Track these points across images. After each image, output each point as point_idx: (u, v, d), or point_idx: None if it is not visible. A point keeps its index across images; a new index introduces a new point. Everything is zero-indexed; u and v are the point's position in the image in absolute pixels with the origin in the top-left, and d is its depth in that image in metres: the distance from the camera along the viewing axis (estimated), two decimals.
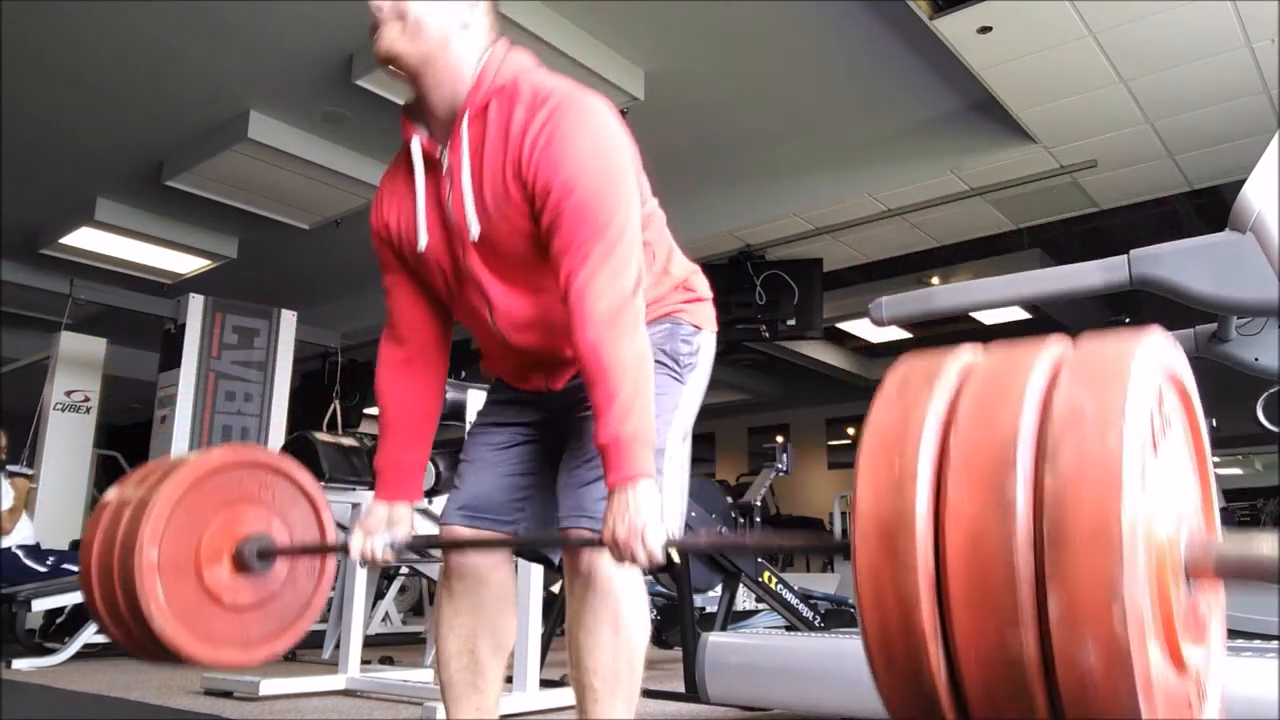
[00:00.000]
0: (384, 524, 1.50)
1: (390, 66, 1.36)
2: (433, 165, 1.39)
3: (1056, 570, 0.70)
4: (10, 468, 5.14)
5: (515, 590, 1.56)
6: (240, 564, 1.57)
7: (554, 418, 1.53)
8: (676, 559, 1.22)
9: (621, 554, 1.20)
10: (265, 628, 1.60)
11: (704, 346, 1.56)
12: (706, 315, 1.59)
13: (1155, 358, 0.79)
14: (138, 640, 1.53)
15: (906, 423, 0.81)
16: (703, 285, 1.60)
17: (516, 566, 1.63)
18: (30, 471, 5.51)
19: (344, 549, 1.50)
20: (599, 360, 1.25)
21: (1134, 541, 0.69)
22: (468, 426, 1.75)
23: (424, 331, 1.53)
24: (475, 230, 1.34)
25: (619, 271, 1.27)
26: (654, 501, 1.22)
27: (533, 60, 1.41)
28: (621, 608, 1.37)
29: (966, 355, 0.88)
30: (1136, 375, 0.75)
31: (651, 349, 1.44)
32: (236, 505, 1.59)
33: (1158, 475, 0.76)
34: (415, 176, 1.40)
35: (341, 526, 4.98)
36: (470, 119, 1.35)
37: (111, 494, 1.61)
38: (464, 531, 1.49)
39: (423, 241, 1.40)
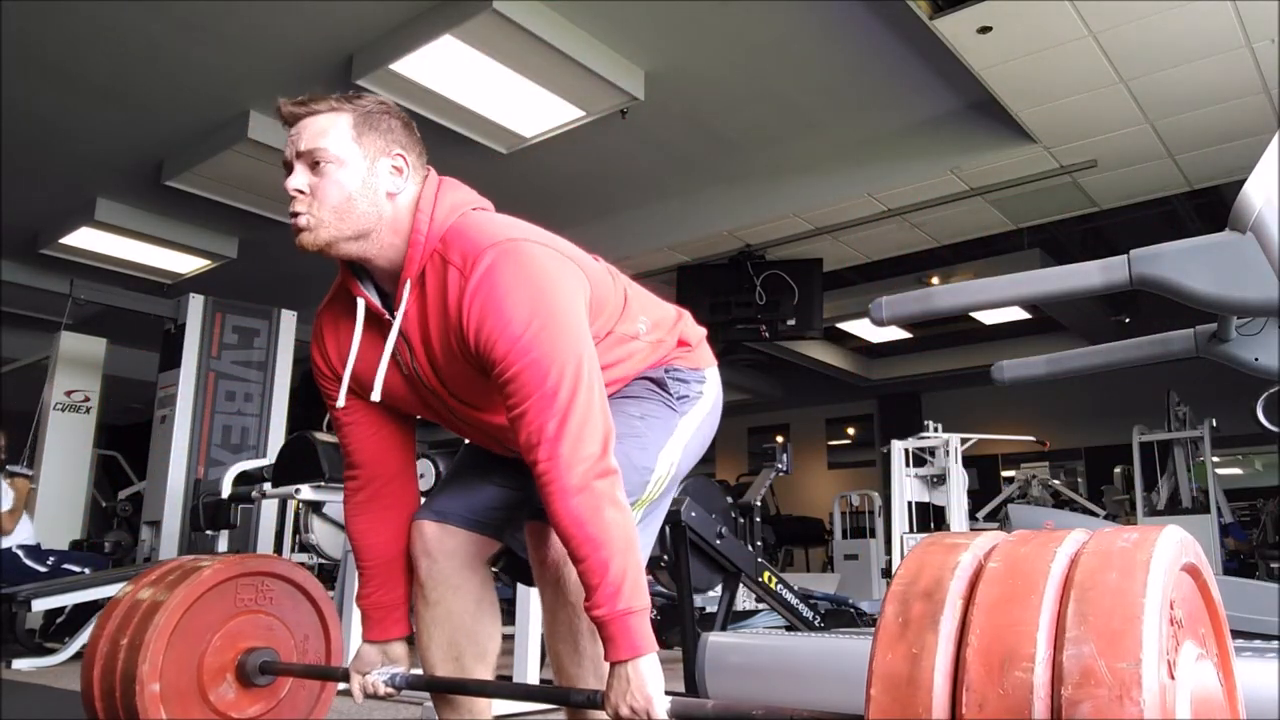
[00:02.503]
0: (377, 664, 1.49)
1: (327, 256, 1.34)
2: (379, 321, 1.37)
3: None
4: (10, 468, 5.13)
5: (493, 595, 1.52)
6: (244, 678, 1.57)
7: None
8: None
9: None
10: None
11: (709, 384, 1.54)
12: (704, 355, 1.57)
13: (1166, 573, 0.75)
14: None
15: (915, 671, 0.77)
16: (693, 330, 1.57)
17: (514, 599, 1.62)
18: (30, 472, 5.50)
19: (345, 676, 1.49)
20: (584, 533, 1.20)
21: None
22: None
23: (385, 468, 1.49)
24: (441, 382, 1.35)
25: (580, 437, 1.22)
26: (655, 676, 1.20)
27: (463, 193, 1.37)
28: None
29: (968, 560, 0.84)
30: (1149, 618, 0.71)
31: (641, 380, 1.45)
32: (235, 618, 1.59)
33: (1179, 693, 0.73)
34: (355, 330, 1.39)
35: (341, 527, 4.98)
36: (411, 285, 1.33)
37: (104, 621, 1.59)
38: (432, 528, 1.46)
39: (377, 394, 1.38)
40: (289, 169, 1.31)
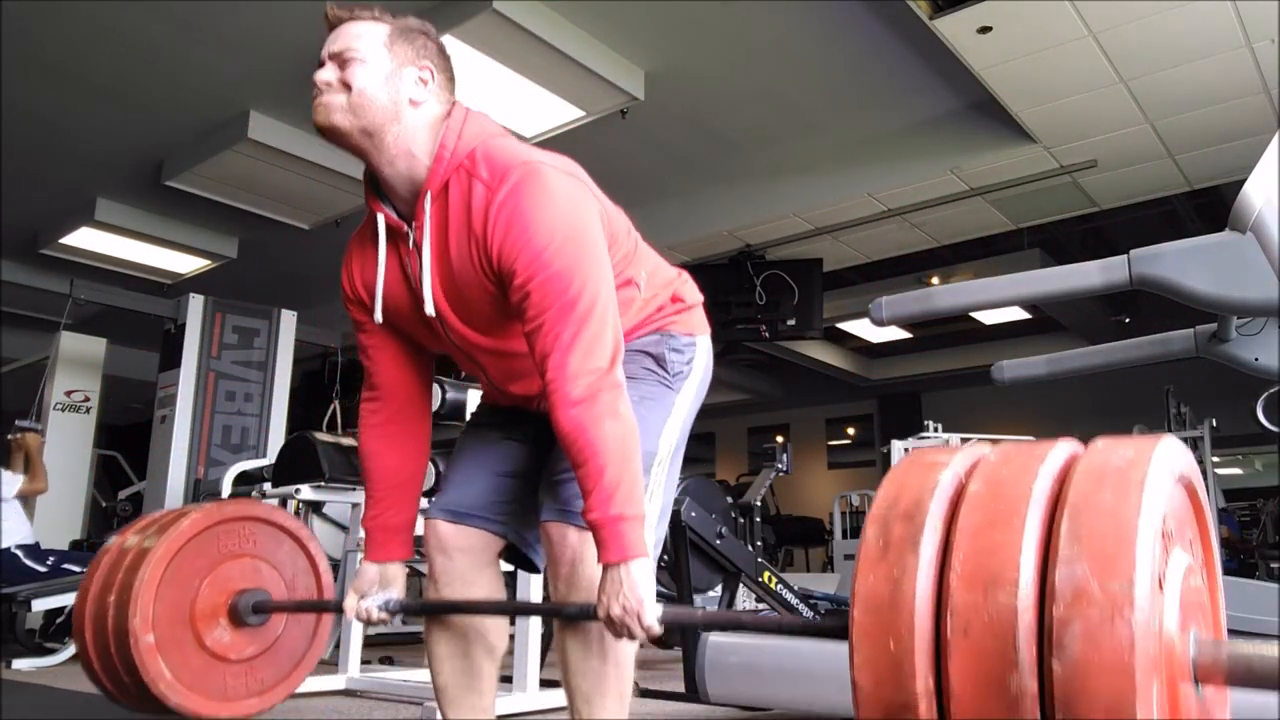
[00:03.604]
0: (376, 584, 1.51)
1: (331, 140, 1.36)
2: (399, 238, 1.40)
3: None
4: (20, 423, 5.13)
5: (504, 592, 1.54)
6: (235, 617, 1.58)
7: (545, 425, 1.53)
8: (657, 630, 1.22)
9: (617, 630, 1.23)
10: (277, 670, 1.62)
11: (700, 352, 1.55)
12: (698, 321, 1.58)
13: (1161, 495, 0.75)
14: (150, 708, 1.53)
15: (897, 593, 0.78)
16: (691, 291, 1.59)
17: (515, 569, 1.62)
18: (40, 426, 5.46)
19: (339, 607, 1.50)
20: (581, 443, 1.24)
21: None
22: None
23: (404, 391, 1.52)
24: (445, 303, 1.37)
25: (591, 348, 1.26)
26: (647, 578, 1.23)
27: (491, 124, 1.39)
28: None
29: (948, 477, 0.83)
30: (1143, 541, 0.71)
31: (639, 354, 1.45)
32: (220, 564, 1.60)
33: (1168, 612, 0.74)
34: (379, 249, 1.41)
35: (342, 526, 4.99)
36: (432, 198, 1.35)
37: (103, 558, 1.60)
38: (447, 528, 1.47)
39: (379, 315, 1.42)
40: (321, 66, 1.35)
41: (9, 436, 5.02)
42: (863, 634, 0.78)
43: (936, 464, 0.85)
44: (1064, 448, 0.83)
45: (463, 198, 1.32)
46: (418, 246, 1.37)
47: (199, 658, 1.54)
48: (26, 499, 5.16)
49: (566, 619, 1.35)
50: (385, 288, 1.42)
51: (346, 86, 1.32)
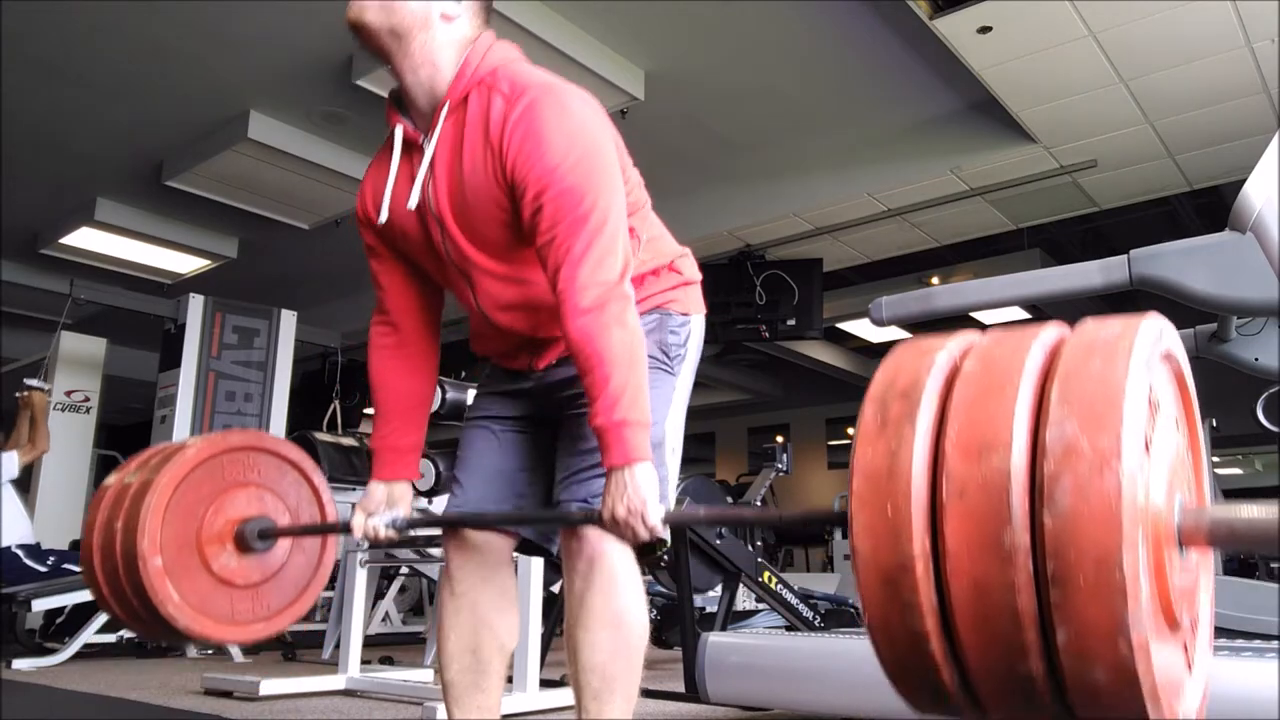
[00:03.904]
0: (383, 504, 1.53)
1: (360, 37, 1.38)
2: (414, 151, 1.41)
3: (1062, 611, 0.72)
4: (28, 381, 5.14)
5: (516, 591, 1.56)
6: (241, 543, 1.60)
7: (544, 412, 1.53)
8: (668, 539, 1.24)
9: (622, 532, 1.25)
10: (282, 596, 1.65)
11: (693, 332, 1.57)
12: (694, 299, 1.59)
13: (1147, 363, 0.78)
14: (155, 630, 1.56)
15: (894, 463, 0.81)
16: (691, 268, 1.60)
17: (516, 567, 1.63)
18: (47, 386, 5.45)
19: (346, 527, 1.52)
20: (588, 350, 1.27)
21: (1136, 578, 0.70)
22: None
23: (414, 317, 1.55)
24: (449, 210, 1.38)
25: (602, 260, 1.29)
26: (651, 481, 1.25)
27: (517, 52, 1.42)
28: (621, 605, 1.38)
29: (943, 358, 0.87)
30: (1130, 403, 0.74)
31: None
32: (226, 492, 1.62)
33: (1154, 475, 0.77)
34: (393, 158, 1.43)
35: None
36: (450, 109, 1.37)
37: (112, 479, 1.63)
38: (466, 531, 1.50)
39: (383, 216, 1.43)
40: None
41: (16, 394, 5.03)
42: (861, 502, 0.81)
43: (931, 347, 0.88)
44: (1054, 329, 0.86)
45: (481, 112, 1.34)
46: (432, 160, 1.39)
47: (206, 582, 1.57)
48: (27, 494, 5.16)
49: (572, 524, 1.38)
50: (393, 199, 1.42)
51: None
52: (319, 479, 1.75)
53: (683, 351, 1.54)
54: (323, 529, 1.71)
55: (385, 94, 4.75)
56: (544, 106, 1.30)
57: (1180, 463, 0.87)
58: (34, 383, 5.11)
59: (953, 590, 0.77)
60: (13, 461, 4.88)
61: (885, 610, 0.80)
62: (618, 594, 1.38)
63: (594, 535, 1.37)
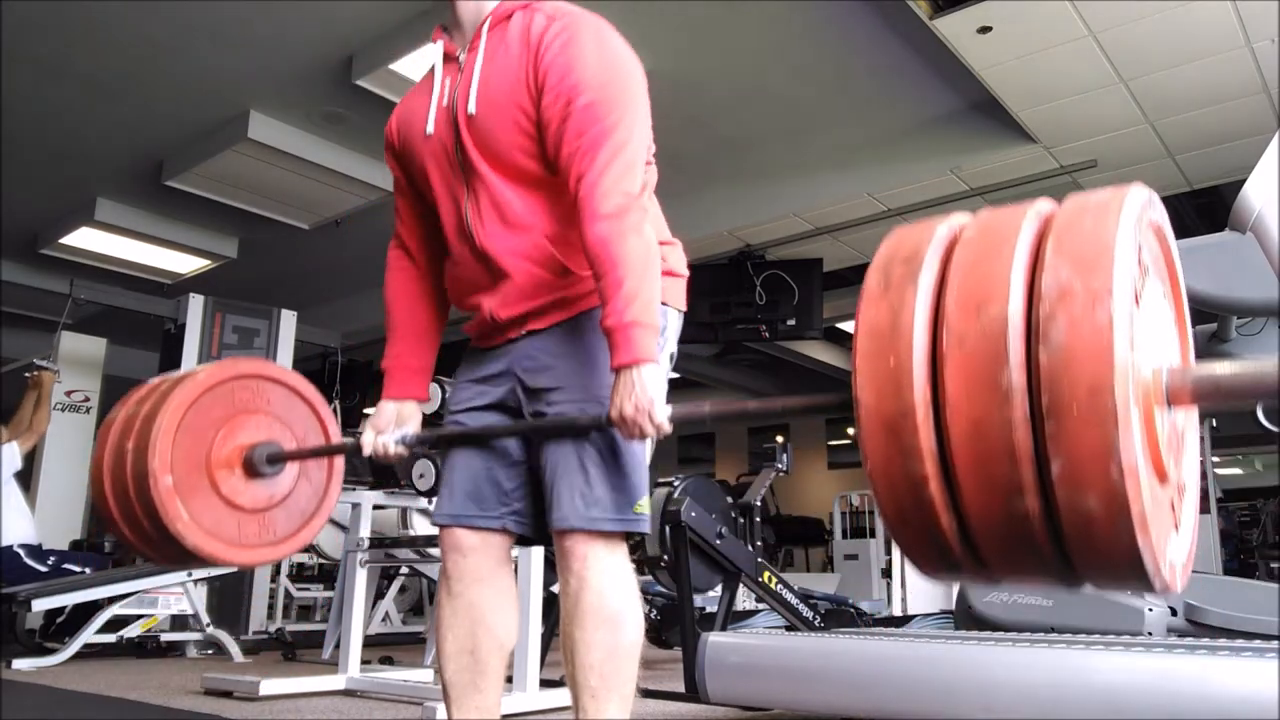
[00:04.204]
0: (393, 421, 1.56)
1: None
2: (451, 64, 1.49)
3: (1055, 441, 0.76)
4: (38, 360, 5.16)
5: (515, 589, 1.56)
6: (249, 467, 1.62)
7: (524, 405, 1.51)
8: (669, 428, 1.28)
9: (629, 429, 1.28)
10: (289, 523, 1.68)
11: (671, 323, 1.55)
12: (678, 293, 1.57)
13: (1137, 221, 0.82)
14: (165, 551, 1.58)
15: (896, 320, 0.85)
16: (678, 260, 1.59)
17: (516, 567, 1.63)
18: (55, 367, 5.48)
19: (356, 449, 1.54)
20: (607, 252, 1.31)
21: (1126, 405, 0.74)
22: None
23: (428, 249, 1.61)
24: (472, 105, 1.42)
25: (625, 173, 1.34)
26: (658, 381, 1.29)
27: None
28: (616, 606, 1.38)
29: (944, 231, 0.91)
30: (1120, 249, 0.78)
31: None
32: (235, 417, 1.64)
33: (1142, 328, 0.81)
34: (435, 75, 1.49)
35: (341, 526, 4.98)
36: (492, 25, 1.45)
37: (130, 396, 1.65)
38: (459, 531, 1.49)
39: (430, 125, 1.47)
40: None
41: (26, 374, 5.06)
42: (865, 356, 0.86)
43: (932, 223, 0.92)
44: (1047, 202, 0.89)
45: (523, 27, 1.42)
46: (466, 67, 1.45)
47: (215, 504, 1.59)
48: (28, 491, 5.16)
49: (580, 431, 1.39)
50: (428, 110, 1.48)
51: None
52: (325, 411, 1.76)
53: (662, 341, 1.51)
54: (332, 450, 1.73)
55: (386, 94, 4.72)
56: (587, 27, 1.38)
57: (1167, 330, 0.92)
58: (43, 363, 5.15)
59: (952, 434, 0.80)
60: (14, 454, 4.89)
61: (886, 457, 0.83)
62: (612, 593, 1.38)
63: (584, 547, 1.37)
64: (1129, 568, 0.77)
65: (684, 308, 1.60)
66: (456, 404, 1.58)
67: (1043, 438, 0.76)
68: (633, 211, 1.33)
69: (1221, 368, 0.85)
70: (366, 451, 1.52)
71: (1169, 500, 0.86)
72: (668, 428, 1.27)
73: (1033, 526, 0.78)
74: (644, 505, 1.43)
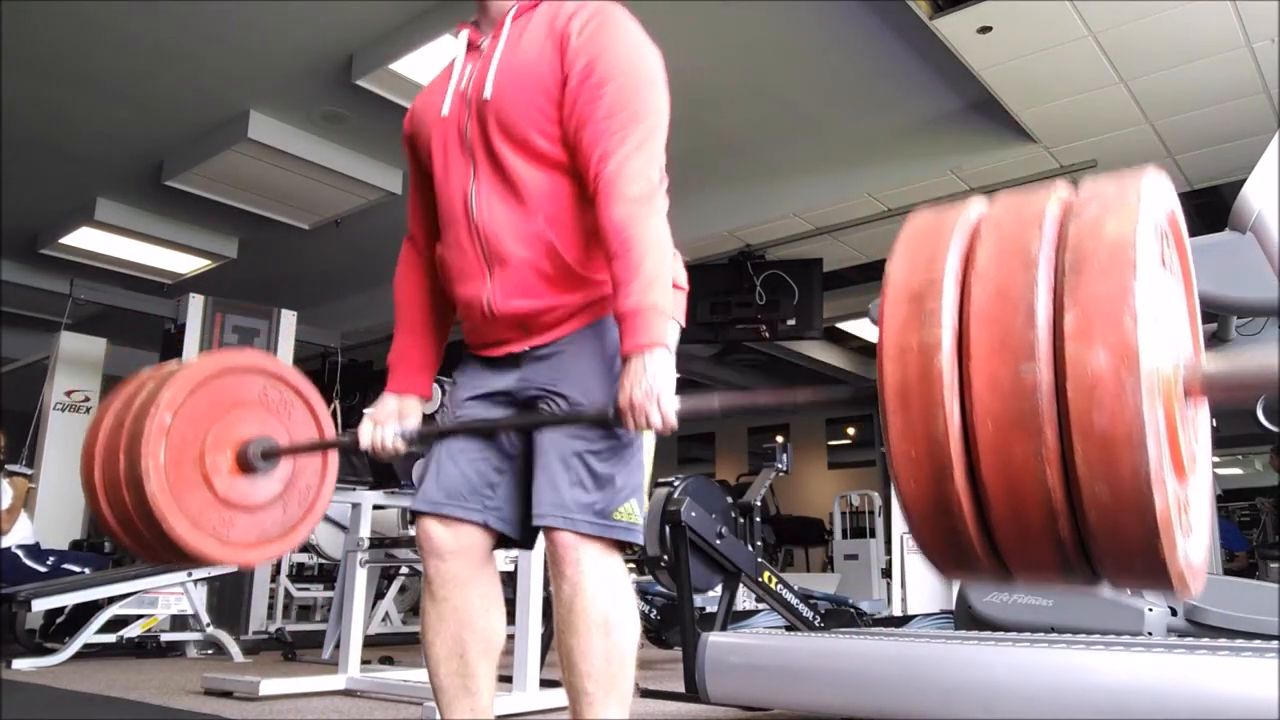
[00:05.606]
0: (394, 415, 1.54)
1: None
2: (473, 52, 1.49)
3: (1074, 292, 0.76)
4: (10, 467, 5.13)
5: (500, 590, 1.52)
6: (243, 463, 1.59)
7: (520, 408, 1.49)
8: (675, 424, 1.25)
9: (635, 417, 1.24)
10: (248, 533, 1.62)
11: (671, 337, 1.51)
12: (678, 306, 1.57)
13: (1161, 186, 0.85)
14: (157, 551, 1.56)
15: (941, 218, 0.88)
16: (681, 274, 1.58)
17: (516, 567, 1.62)
18: (29, 471, 5.51)
19: (354, 443, 1.52)
20: (627, 236, 1.29)
21: (1146, 261, 0.75)
22: None
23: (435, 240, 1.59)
24: (489, 90, 1.41)
25: (650, 160, 1.34)
26: (668, 369, 1.26)
27: None
28: (609, 609, 1.36)
29: (963, 230, 0.92)
30: (1148, 181, 0.82)
31: None
32: (228, 412, 1.61)
33: (1162, 328, 0.79)
34: (455, 64, 1.50)
35: (341, 526, 4.98)
36: (518, 12, 1.46)
37: (124, 384, 1.62)
38: (438, 531, 1.45)
39: (446, 106, 1.47)
40: None
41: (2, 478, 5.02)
42: (904, 249, 0.88)
43: (946, 237, 0.90)
44: (1063, 192, 0.90)
45: (550, 15, 1.42)
46: (487, 52, 1.44)
47: (208, 501, 1.56)
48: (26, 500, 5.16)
49: (588, 423, 1.36)
50: (445, 94, 1.48)
51: None
52: (320, 408, 1.73)
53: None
54: (329, 444, 1.70)
55: (385, 94, 4.71)
56: (618, 15, 1.39)
57: (1182, 323, 0.92)
58: (17, 469, 5.13)
59: (974, 301, 0.80)
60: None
61: (904, 330, 0.83)
62: (606, 597, 1.36)
63: (576, 544, 1.35)
64: (1150, 569, 0.77)
65: (684, 323, 1.59)
66: (456, 409, 1.55)
67: (1061, 300, 0.76)
68: (655, 198, 1.33)
69: (1238, 359, 0.85)
70: (364, 443, 1.49)
71: (1183, 500, 0.86)
72: (674, 421, 1.23)
73: (1039, 400, 0.77)
74: (631, 512, 1.39)
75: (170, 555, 1.56)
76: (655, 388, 1.23)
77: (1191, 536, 0.85)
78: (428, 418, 1.63)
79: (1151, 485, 0.73)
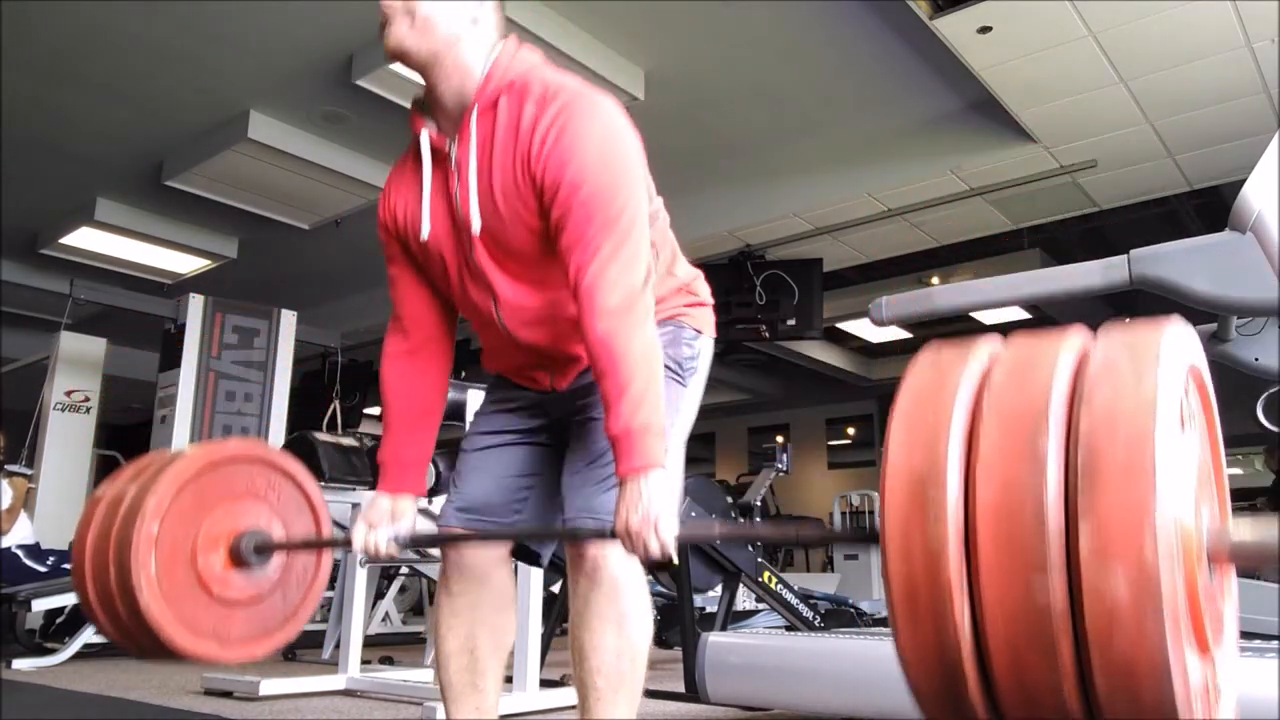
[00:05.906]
0: (387, 517, 1.49)
1: (403, 62, 1.38)
2: (440, 159, 1.40)
3: (1089, 503, 0.71)
4: (9, 467, 5.13)
5: (515, 590, 1.56)
6: (236, 558, 1.55)
7: (554, 422, 1.53)
8: (675, 559, 1.20)
9: (634, 544, 1.20)
10: (248, 629, 1.58)
11: (704, 351, 1.57)
12: (707, 320, 1.59)
13: (1182, 341, 0.79)
14: (159, 657, 1.52)
15: (941, 384, 0.82)
16: (704, 290, 1.61)
17: (516, 567, 1.62)
18: (29, 471, 5.50)
19: (346, 542, 1.49)
20: (611, 352, 1.25)
21: (1167, 471, 0.69)
22: (467, 426, 1.75)
23: (428, 323, 1.53)
24: (477, 225, 1.35)
25: (629, 265, 1.28)
26: (666, 492, 1.22)
27: (541, 57, 1.42)
28: (625, 607, 1.38)
29: (995, 343, 0.90)
30: (1168, 342, 0.76)
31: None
32: (240, 500, 1.58)
33: (1186, 446, 0.76)
34: (422, 169, 1.41)
35: (341, 526, 4.98)
36: (479, 113, 1.36)
37: (107, 487, 1.59)
38: (463, 533, 1.49)
39: (425, 231, 1.41)
40: None
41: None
42: (903, 423, 0.83)
43: (952, 387, 0.87)
44: (1078, 340, 0.86)
45: (512, 115, 1.34)
46: (459, 166, 1.37)
47: (203, 602, 1.52)
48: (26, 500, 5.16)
49: (582, 538, 1.37)
50: (433, 214, 1.41)
51: (411, 13, 1.34)
52: (316, 495, 1.71)
53: (694, 365, 1.54)
54: (322, 543, 1.68)
55: (385, 94, 4.72)
56: (576, 111, 1.31)
57: (1206, 472, 0.85)
58: (17, 469, 5.12)
59: (979, 495, 0.75)
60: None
61: (906, 524, 0.78)
62: (621, 595, 1.38)
63: (598, 545, 1.37)
64: None
65: (714, 334, 1.61)
66: (482, 426, 1.57)
67: (1074, 506, 0.72)
68: (639, 306, 1.28)
69: (1266, 532, 0.79)
70: (357, 548, 1.46)
71: (1206, 683, 0.80)
72: (671, 548, 1.19)
73: (1053, 619, 0.73)
74: None
75: (173, 660, 1.54)
76: (652, 513, 1.19)
77: (1220, 702, 0.82)
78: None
79: (1178, 711, 0.69)
